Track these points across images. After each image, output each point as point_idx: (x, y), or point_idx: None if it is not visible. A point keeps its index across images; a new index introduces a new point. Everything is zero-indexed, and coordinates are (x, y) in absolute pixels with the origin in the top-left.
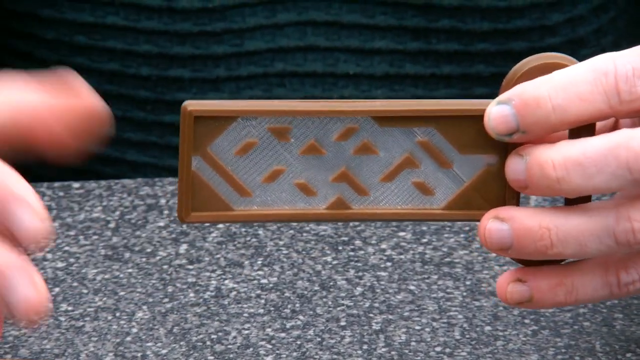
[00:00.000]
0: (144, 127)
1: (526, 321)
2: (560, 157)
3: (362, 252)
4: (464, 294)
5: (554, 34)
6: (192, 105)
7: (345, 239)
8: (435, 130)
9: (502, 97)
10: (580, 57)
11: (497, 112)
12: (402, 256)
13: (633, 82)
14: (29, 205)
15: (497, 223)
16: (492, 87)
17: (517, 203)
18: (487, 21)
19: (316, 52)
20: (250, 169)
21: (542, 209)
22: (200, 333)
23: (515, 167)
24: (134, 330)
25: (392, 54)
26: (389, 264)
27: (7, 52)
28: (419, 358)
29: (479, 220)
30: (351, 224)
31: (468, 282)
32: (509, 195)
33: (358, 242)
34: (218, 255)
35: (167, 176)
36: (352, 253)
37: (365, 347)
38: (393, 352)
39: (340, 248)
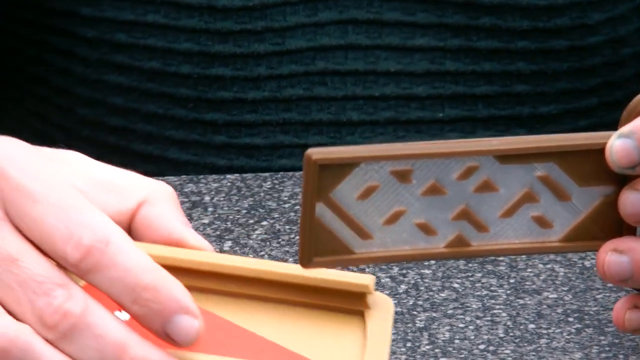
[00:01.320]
0: (185, 125)
1: (570, 319)
2: None
3: None
4: (508, 291)
5: (594, 33)
6: (316, 153)
7: None
8: (555, 164)
9: (624, 130)
10: (622, 56)
11: (620, 146)
12: None
13: None
14: (188, 310)
15: (616, 255)
16: (532, 85)
17: (634, 233)
18: (527, 19)
19: (357, 50)
20: (371, 211)
21: None
22: None
23: (631, 201)
24: None
25: (433, 52)
26: (432, 262)
27: (48, 49)
28: (462, 356)
29: (596, 250)
30: None
31: (512, 280)
32: (627, 225)
33: None
34: (262, 253)
35: (208, 174)
36: None
37: (409, 344)
38: (437, 350)
39: None
